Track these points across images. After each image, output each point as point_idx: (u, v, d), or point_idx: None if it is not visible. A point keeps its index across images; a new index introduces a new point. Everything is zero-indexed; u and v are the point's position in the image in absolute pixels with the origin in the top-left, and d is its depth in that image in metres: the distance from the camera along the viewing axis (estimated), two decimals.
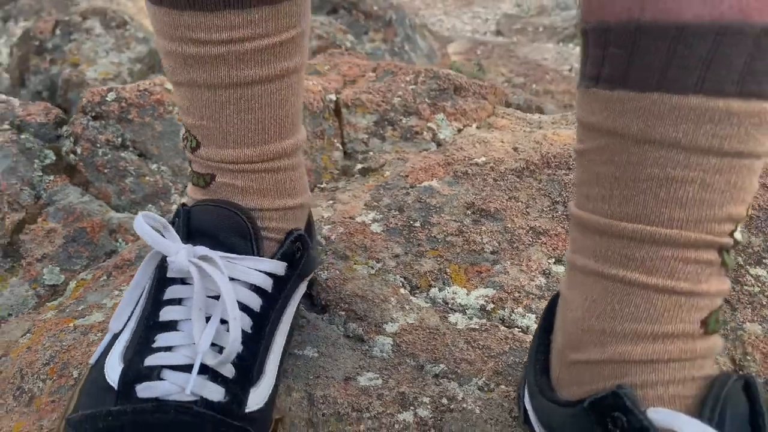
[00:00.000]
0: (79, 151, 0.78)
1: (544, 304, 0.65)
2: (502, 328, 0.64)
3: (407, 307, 0.65)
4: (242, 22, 0.42)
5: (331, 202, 0.83)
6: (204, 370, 0.43)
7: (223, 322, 0.44)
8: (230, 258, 0.46)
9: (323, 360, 0.58)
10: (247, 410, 0.44)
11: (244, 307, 0.46)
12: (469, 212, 0.78)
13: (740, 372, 0.58)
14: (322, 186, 0.90)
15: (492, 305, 0.66)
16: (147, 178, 0.82)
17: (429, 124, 1.01)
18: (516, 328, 0.64)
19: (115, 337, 0.47)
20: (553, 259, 0.72)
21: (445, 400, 0.55)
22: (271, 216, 0.50)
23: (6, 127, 0.77)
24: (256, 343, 0.46)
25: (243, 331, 0.46)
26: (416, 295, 0.68)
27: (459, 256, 0.73)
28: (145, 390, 0.42)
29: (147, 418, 0.41)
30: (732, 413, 0.36)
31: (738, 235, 0.39)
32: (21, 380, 0.56)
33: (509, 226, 0.76)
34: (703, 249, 0.38)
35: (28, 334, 0.62)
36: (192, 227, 0.47)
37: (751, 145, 0.36)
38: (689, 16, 0.34)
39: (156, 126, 0.83)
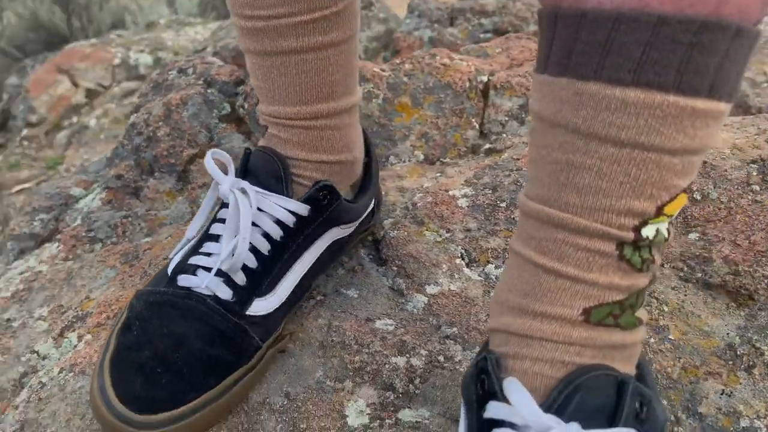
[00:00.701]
0: (246, 106, 0.96)
1: None
2: None
3: (456, 276, 0.70)
4: (280, 2, 0.52)
5: (438, 174, 0.89)
6: (222, 274, 0.55)
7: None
8: (262, 193, 0.57)
9: (358, 301, 0.67)
10: (248, 313, 0.55)
11: (265, 234, 0.57)
12: None
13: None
14: (444, 160, 0.96)
15: None
16: None
17: None
18: None
19: (188, 241, 0.62)
20: None
21: (441, 358, 0.60)
22: (304, 166, 0.59)
23: (200, 82, 0.99)
24: (270, 265, 0.57)
25: (260, 252, 0.57)
26: (471, 267, 0.72)
27: None
28: (182, 280, 0.56)
29: (177, 301, 0.55)
30: (582, 403, 0.36)
31: (649, 232, 0.37)
32: (148, 266, 0.75)
33: None
34: (597, 238, 0.37)
35: (168, 237, 0.81)
36: (247, 166, 0.60)
37: (653, 138, 0.35)
38: (593, 2, 0.34)
39: None
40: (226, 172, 0.59)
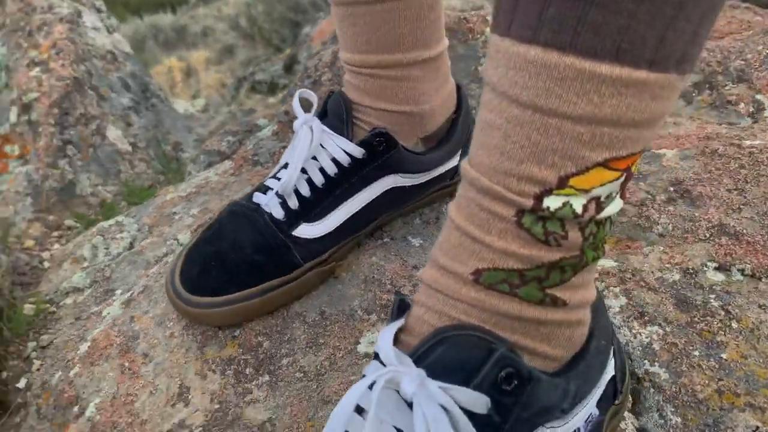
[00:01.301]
0: None
1: (645, 296, 0.59)
2: None
3: None
4: None
5: None
6: (280, 196, 0.64)
7: (304, 171, 0.64)
8: (327, 132, 0.64)
9: (416, 249, 0.70)
10: (293, 233, 0.63)
11: (321, 169, 0.64)
12: (670, 189, 0.70)
13: None
14: None
15: (596, 276, 0.63)
16: None
17: (758, 96, 0.85)
18: None
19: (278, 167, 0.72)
20: (714, 264, 0.61)
21: None
22: (367, 112, 0.64)
23: None
24: (321, 196, 0.64)
25: (314, 184, 0.64)
26: None
27: (623, 225, 0.68)
28: (256, 197, 0.66)
29: (246, 212, 0.65)
30: (443, 356, 0.36)
31: (552, 203, 0.35)
32: None
33: (698, 215, 0.66)
34: (497, 201, 0.36)
35: None
36: (325, 107, 0.67)
37: (552, 101, 0.32)
38: None
39: (458, 49, 0.99)
40: (310, 111, 0.67)
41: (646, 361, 0.54)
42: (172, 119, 1.42)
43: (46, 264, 0.96)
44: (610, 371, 0.44)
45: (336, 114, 0.64)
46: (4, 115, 1.21)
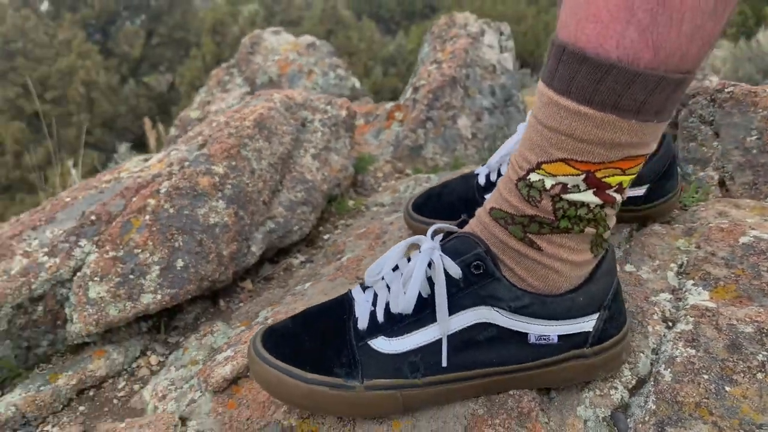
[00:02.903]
0: None
1: (708, 331, 0.69)
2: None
3: None
4: None
5: None
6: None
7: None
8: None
9: None
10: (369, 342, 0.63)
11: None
12: None
13: None
14: None
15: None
16: None
17: None
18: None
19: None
20: None
21: None
22: None
23: None
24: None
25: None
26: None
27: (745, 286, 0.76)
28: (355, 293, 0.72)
29: (340, 310, 0.66)
30: (452, 243, 0.61)
31: (533, 177, 0.57)
32: None
33: None
34: (512, 169, 0.60)
35: None
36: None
37: (541, 116, 0.56)
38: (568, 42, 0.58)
39: (735, 117, 1.07)
40: None
41: (662, 365, 0.67)
42: (517, 123, 1.77)
43: (379, 188, 1.43)
44: (582, 327, 0.62)
45: None
46: (405, 92, 1.76)
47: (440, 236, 0.66)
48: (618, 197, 0.60)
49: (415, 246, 0.65)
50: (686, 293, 0.78)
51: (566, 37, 0.53)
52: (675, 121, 1.19)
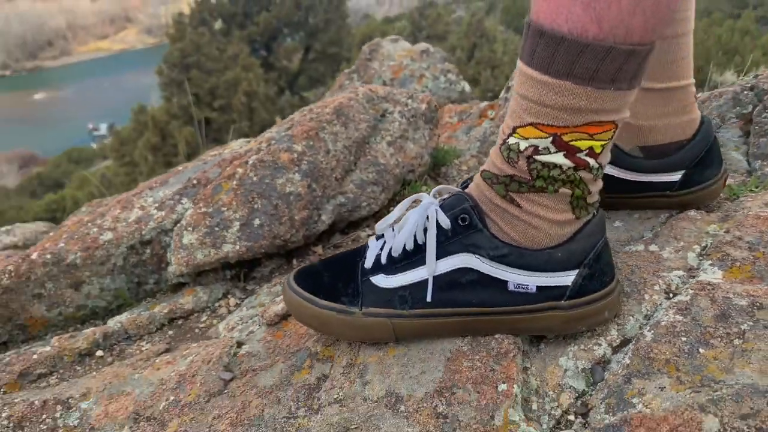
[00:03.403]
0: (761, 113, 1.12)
1: (702, 302, 0.73)
2: None
3: None
4: None
5: None
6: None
7: None
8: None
9: None
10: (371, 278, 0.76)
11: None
12: None
13: None
14: None
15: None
16: None
17: None
18: None
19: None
20: None
21: None
22: None
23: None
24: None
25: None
26: None
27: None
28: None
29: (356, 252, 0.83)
30: (449, 201, 0.71)
31: (511, 141, 0.65)
32: None
33: None
34: (500, 134, 0.68)
35: None
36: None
37: (517, 85, 0.64)
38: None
39: None
40: None
41: (648, 327, 0.71)
42: None
43: (459, 179, 1.52)
44: (561, 281, 0.69)
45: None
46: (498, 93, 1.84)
47: (440, 195, 0.76)
48: (591, 161, 0.66)
49: (419, 201, 0.75)
50: (700, 272, 0.80)
51: (532, 15, 0.61)
52: (750, 116, 1.17)
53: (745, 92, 1.21)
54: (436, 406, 0.67)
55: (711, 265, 0.81)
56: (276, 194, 1.10)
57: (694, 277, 0.80)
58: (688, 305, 0.73)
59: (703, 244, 0.85)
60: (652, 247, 0.87)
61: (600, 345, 0.73)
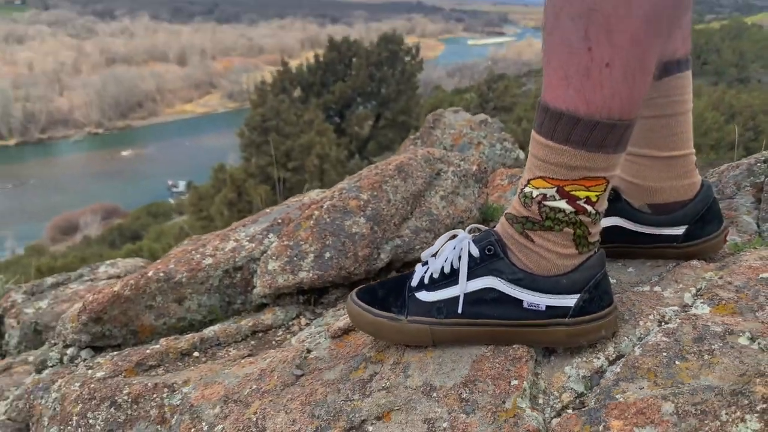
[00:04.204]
0: None
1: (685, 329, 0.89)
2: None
3: None
4: None
5: None
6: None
7: None
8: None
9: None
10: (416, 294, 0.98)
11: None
12: None
13: None
14: None
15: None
16: None
17: None
18: None
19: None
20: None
21: None
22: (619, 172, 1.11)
23: None
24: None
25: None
26: None
27: None
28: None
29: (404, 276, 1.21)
30: (480, 235, 0.91)
31: (527, 190, 0.85)
32: None
33: None
34: (521, 187, 0.88)
35: None
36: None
37: (531, 146, 0.85)
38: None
39: None
40: None
41: (638, 346, 0.88)
42: None
43: None
44: (565, 302, 0.87)
45: None
46: None
47: (473, 232, 0.96)
48: (589, 208, 0.85)
49: (455, 236, 0.96)
50: (692, 308, 0.96)
51: (541, 96, 0.83)
52: (761, 185, 1.32)
53: (759, 164, 1.36)
54: (461, 393, 0.86)
55: (702, 302, 0.96)
56: (344, 233, 1.32)
57: (685, 311, 0.96)
58: (674, 330, 0.89)
59: (699, 287, 1.01)
60: (656, 288, 1.04)
61: (599, 358, 0.89)
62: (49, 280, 2.03)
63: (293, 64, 14.93)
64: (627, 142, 0.82)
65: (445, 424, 0.82)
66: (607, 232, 1.11)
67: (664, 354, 0.85)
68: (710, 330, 0.87)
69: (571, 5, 0.74)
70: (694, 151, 1.09)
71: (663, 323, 0.93)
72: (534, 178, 0.86)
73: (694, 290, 1.01)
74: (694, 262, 1.09)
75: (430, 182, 1.53)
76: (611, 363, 0.89)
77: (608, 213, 1.11)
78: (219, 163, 10.77)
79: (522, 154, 2.59)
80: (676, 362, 0.83)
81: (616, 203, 1.10)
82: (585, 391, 0.86)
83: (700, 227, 1.09)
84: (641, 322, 0.94)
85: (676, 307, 0.97)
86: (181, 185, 38.00)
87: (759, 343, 0.82)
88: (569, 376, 0.88)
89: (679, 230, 1.09)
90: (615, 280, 1.08)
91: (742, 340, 0.84)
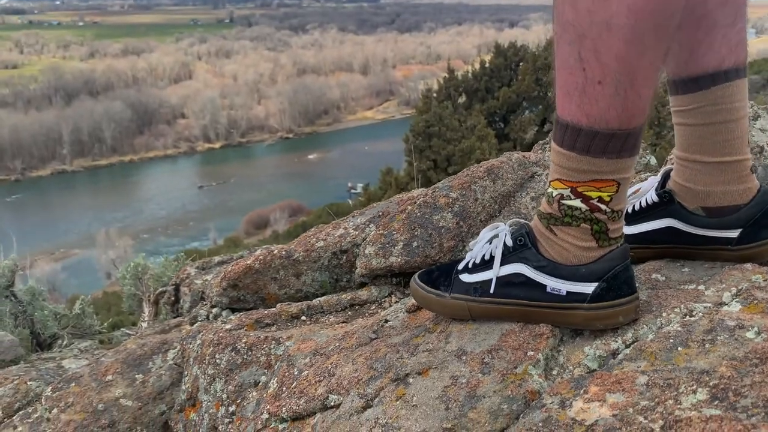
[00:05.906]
0: None
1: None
2: None
3: None
4: None
5: None
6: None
7: None
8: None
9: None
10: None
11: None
12: None
13: None
14: None
15: None
16: None
17: None
18: None
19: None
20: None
21: None
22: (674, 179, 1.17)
23: None
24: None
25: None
26: None
27: None
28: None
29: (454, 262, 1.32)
30: (514, 227, 1.05)
31: (550, 190, 0.98)
32: None
33: None
34: (548, 186, 1.01)
35: None
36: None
37: (551, 154, 0.98)
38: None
39: None
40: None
41: (653, 333, 0.96)
42: None
43: None
44: (584, 289, 0.98)
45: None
46: None
47: (512, 225, 1.11)
48: (603, 207, 0.96)
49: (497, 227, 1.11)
50: (725, 306, 1.01)
51: (556, 110, 0.96)
52: None
53: None
54: (484, 358, 1.01)
55: (737, 301, 1.01)
56: (432, 226, 1.52)
57: (717, 308, 1.01)
58: (692, 323, 0.96)
59: (740, 287, 1.05)
60: (700, 287, 1.09)
61: (617, 341, 0.99)
62: (216, 258, 2.47)
63: (464, 69, 15.28)
64: (633, 148, 0.92)
65: (463, 380, 0.99)
66: (663, 233, 1.19)
67: (671, 341, 0.93)
68: (724, 324, 0.93)
69: (566, 32, 0.87)
70: (749, 156, 1.12)
71: (687, 316, 1.00)
72: (554, 180, 0.99)
73: (734, 290, 1.05)
74: (746, 265, 1.12)
75: (522, 184, 1.67)
76: (627, 347, 0.98)
77: (662, 215, 1.18)
78: (387, 167, 11.41)
79: (653, 160, 2.56)
80: (679, 348, 0.91)
81: (670, 205, 1.17)
82: (596, 368, 0.97)
83: (755, 231, 1.11)
84: (665, 314, 1.01)
85: (709, 304, 1.03)
86: (359, 187, 40.25)
87: (762, 337, 0.87)
88: (587, 355, 1.00)
89: (734, 233, 1.12)
90: (665, 278, 1.15)
91: (750, 334, 0.89)
